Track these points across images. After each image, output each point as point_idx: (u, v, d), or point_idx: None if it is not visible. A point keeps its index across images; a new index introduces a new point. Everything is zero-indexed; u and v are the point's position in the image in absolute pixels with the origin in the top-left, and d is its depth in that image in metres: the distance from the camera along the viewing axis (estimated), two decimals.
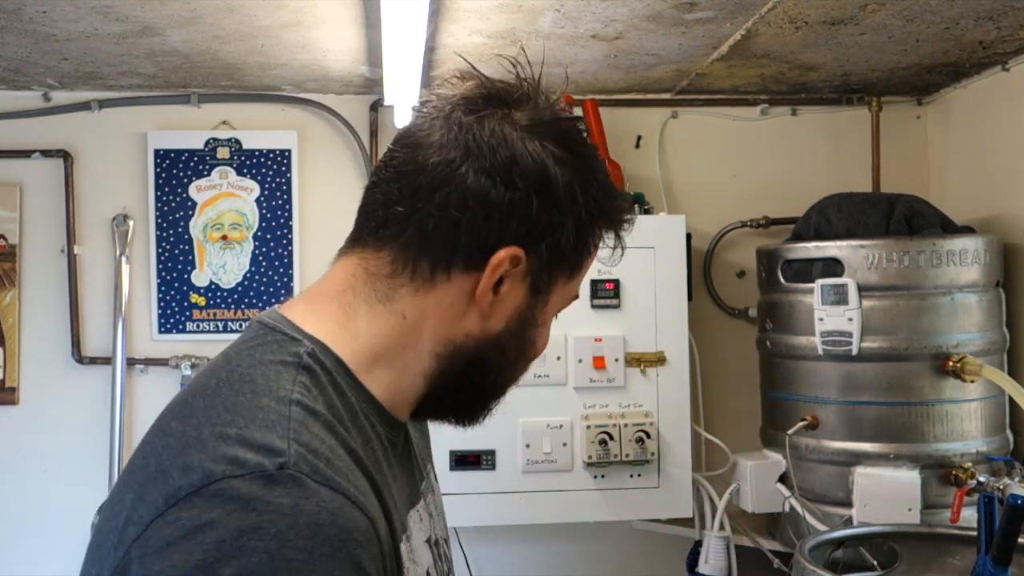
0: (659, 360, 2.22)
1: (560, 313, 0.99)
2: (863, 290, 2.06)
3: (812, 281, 2.12)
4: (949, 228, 2.15)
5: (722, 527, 2.26)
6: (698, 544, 2.34)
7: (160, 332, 2.49)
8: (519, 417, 2.18)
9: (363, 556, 0.73)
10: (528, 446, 2.18)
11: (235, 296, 2.50)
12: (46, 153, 2.47)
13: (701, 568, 2.26)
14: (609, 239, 0.96)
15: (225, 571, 0.68)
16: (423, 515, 0.98)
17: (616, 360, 2.20)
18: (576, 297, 0.98)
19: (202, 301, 2.49)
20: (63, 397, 2.48)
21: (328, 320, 0.89)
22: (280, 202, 2.52)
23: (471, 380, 0.93)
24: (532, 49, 2.10)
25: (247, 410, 0.77)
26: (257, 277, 2.51)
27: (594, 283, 2.20)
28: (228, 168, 2.51)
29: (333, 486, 0.74)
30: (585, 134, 0.96)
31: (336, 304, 0.90)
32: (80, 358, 2.47)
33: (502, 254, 0.87)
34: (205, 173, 2.51)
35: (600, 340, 2.20)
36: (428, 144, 0.88)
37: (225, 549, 0.68)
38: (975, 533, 1.51)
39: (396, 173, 0.89)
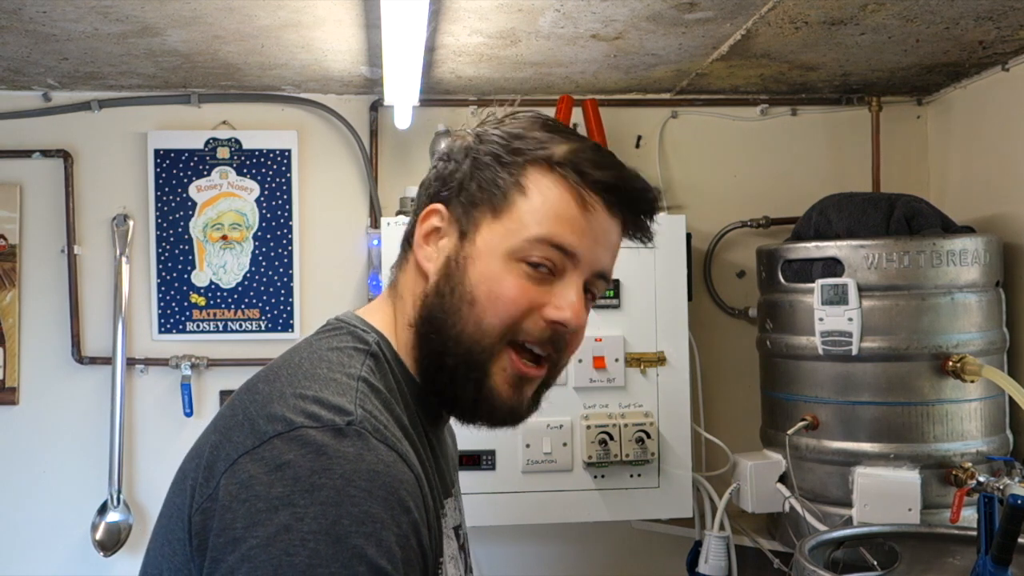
0: (659, 360, 2.22)
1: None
2: (863, 290, 2.05)
3: (812, 281, 2.12)
4: (949, 228, 2.15)
5: (722, 527, 2.26)
6: (698, 544, 2.34)
7: (160, 332, 2.48)
8: None
9: (410, 502, 0.86)
10: (528, 446, 2.18)
11: (235, 296, 2.50)
12: (46, 153, 2.47)
13: (701, 568, 2.26)
14: (545, 178, 1.01)
15: (300, 501, 0.81)
16: (453, 506, 1.11)
17: (616, 360, 2.20)
18: (530, 236, 0.99)
19: (202, 301, 2.49)
20: (63, 397, 2.48)
21: (382, 316, 1.07)
22: (280, 202, 2.52)
23: (436, 347, 1.01)
24: (532, 49, 2.10)
25: (323, 380, 0.92)
26: (257, 277, 2.51)
27: None
28: (228, 168, 2.51)
29: (390, 444, 0.88)
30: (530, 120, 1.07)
31: (388, 303, 1.09)
32: (80, 358, 2.47)
33: (424, 211, 1.05)
34: (205, 173, 2.51)
35: (600, 340, 2.20)
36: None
37: (300, 484, 0.82)
38: (975, 533, 1.51)
39: None
